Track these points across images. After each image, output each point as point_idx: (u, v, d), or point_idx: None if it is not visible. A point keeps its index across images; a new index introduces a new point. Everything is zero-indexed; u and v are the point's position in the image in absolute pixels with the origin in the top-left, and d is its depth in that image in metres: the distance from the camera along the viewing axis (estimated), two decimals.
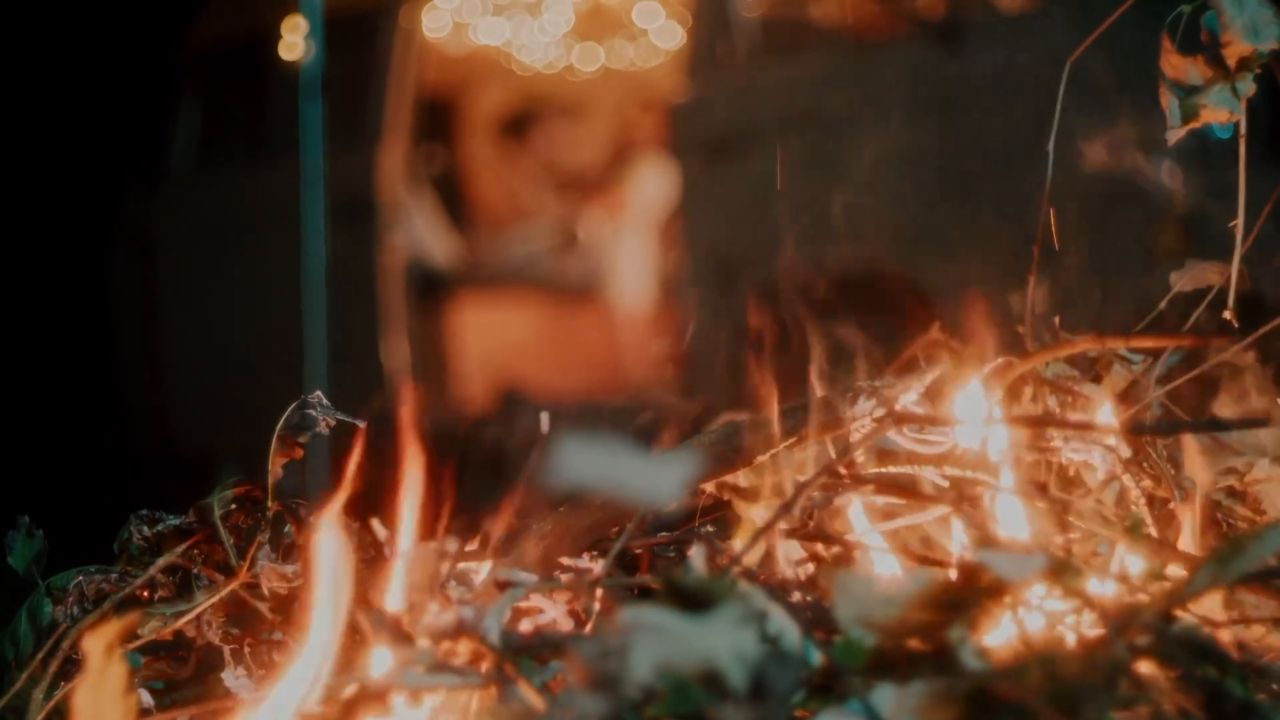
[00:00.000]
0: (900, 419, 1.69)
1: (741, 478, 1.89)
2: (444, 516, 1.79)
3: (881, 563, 1.76)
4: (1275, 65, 1.73)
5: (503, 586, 1.35)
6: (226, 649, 1.72)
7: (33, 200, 7.35)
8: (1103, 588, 1.60)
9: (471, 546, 1.86)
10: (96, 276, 7.29)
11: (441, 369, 6.58)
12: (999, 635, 1.33)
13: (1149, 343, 1.98)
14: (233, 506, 1.76)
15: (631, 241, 6.91)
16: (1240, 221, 1.82)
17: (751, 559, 1.71)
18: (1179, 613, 1.33)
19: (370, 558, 1.67)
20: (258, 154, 6.68)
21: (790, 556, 1.81)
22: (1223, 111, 1.71)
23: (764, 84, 5.58)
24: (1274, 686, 1.34)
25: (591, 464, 1.09)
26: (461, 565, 1.81)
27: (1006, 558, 1.18)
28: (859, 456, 1.77)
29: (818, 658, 1.17)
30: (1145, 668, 1.21)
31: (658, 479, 1.11)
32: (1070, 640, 1.36)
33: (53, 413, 6.98)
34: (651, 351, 6.62)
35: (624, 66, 7.63)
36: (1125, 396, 1.99)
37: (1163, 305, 2.08)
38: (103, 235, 7.26)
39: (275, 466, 1.74)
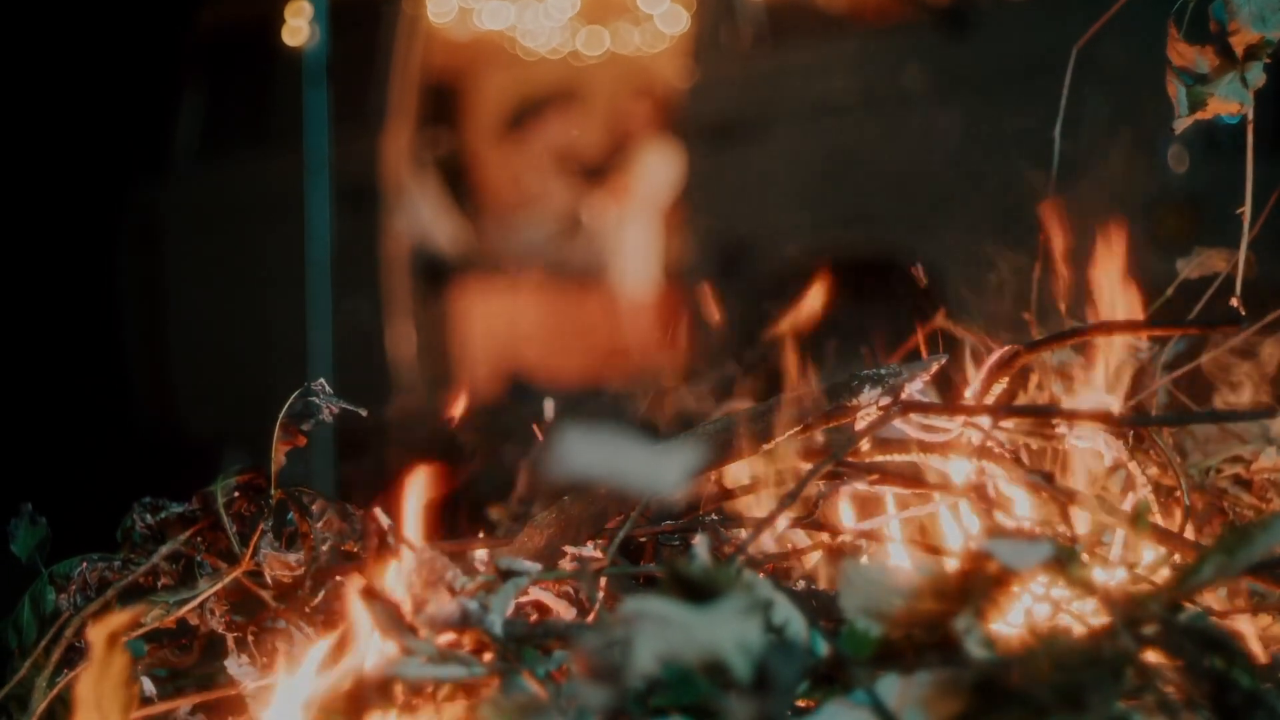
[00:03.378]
0: (906, 407, 1.69)
1: (745, 467, 1.89)
2: (447, 505, 1.78)
3: (887, 552, 1.76)
4: None
5: (506, 576, 1.34)
6: (230, 637, 1.72)
7: (38, 188, 7.35)
8: (1109, 577, 1.60)
9: (475, 535, 1.86)
10: (100, 263, 7.30)
11: (445, 355, 6.57)
12: (1005, 625, 1.33)
13: (1155, 330, 1.97)
14: (236, 494, 1.75)
15: (636, 227, 6.90)
16: (1247, 208, 1.81)
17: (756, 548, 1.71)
18: (1186, 602, 1.33)
19: (374, 547, 1.67)
20: (262, 140, 6.68)
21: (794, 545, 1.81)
22: (1232, 104, 1.70)
23: (769, 69, 5.57)
24: None
25: (595, 453, 1.09)
26: (465, 554, 1.81)
27: (1012, 547, 1.17)
28: (864, 445, 1.76)
29: (823, 648, 1.16)
30: (1152, 657, 1.21)
31: (662, 468, 1.11)
32: (1076, 630, 1.35)
33: (56, 400, 6.99)
34: (656, 338, 6.61)
35: (629, 51, 7.62)
36: (1132, 384, 1.99)
37: (1169, 292, 2.08)
38: (107, 222, 7.26)
39: (278, 454, 1.74)
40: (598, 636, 1.10)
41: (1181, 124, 1.74)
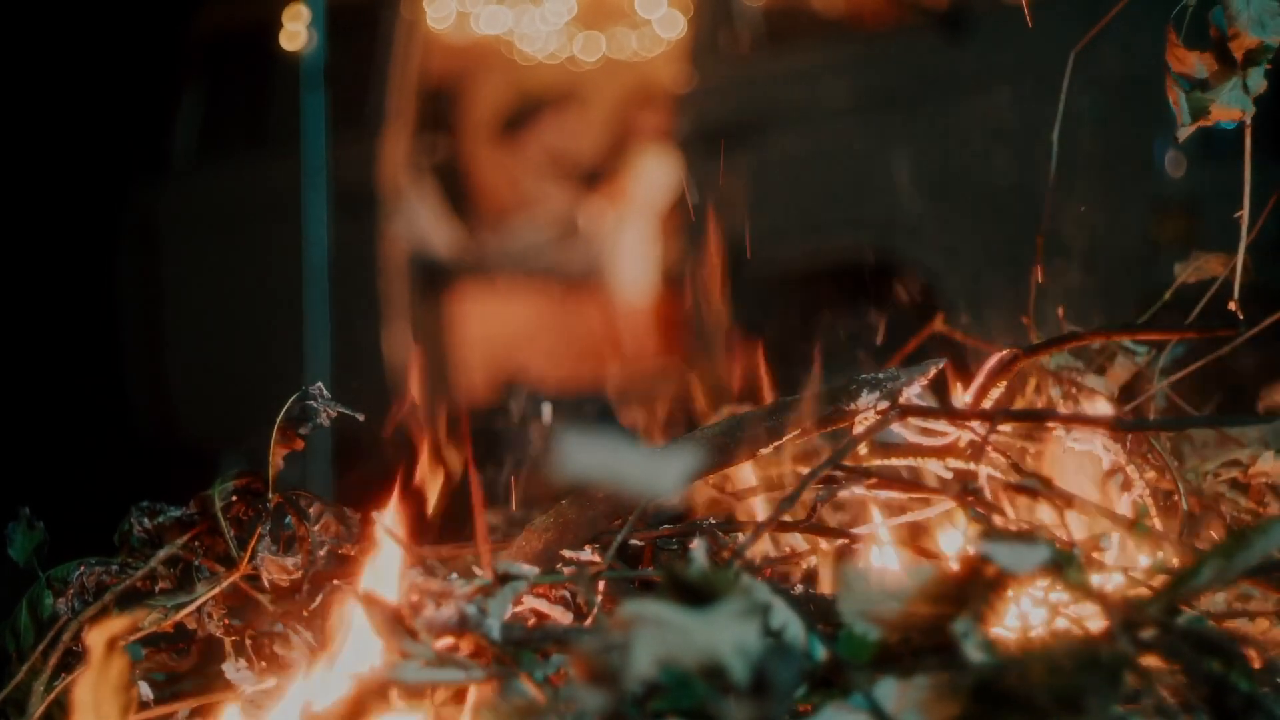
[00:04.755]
0: (905, 412, 1.69)
1: (744, 471, 1.89)
2: (446, 509, 1.78)
3: (885, 556, 1.76)
4: None
5: (503, 579, 1.34)
6: (227, 641, 1.72)
7: (36, 192, 7.35)
8: (1106, 581, 1.60)
9: (473, 539, 1.85)
10: (99, 266, 7.29)
11: (443, 359, 6.57)
12: (1003, 629, 1.33)
13: (1153, 335, 1.97)
14: (234, 498, 1.75)
15: (633, 232, 6.90)
16: (1245, 213, 1.81)
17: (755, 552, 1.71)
18: (1183, 606, 1.33)
19: (371, 550, 1.67)
20: (260, 144, 6.68)
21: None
22: (1234, 110, 1.70)
23: (766, 74, 5.57)
24: (1279, 680, 1.34)
25: (594, 456, 1.09)
26: (462, 558, 1.80)
27: (1010, 550, 1.17)
28: (862, 449, 1.76)
29: (822, 651, 1.16)
30: (1150, 661, 1.21)
31: (660, 472, 1.11)
32: (1074, 634, 1.35)
33: (54, 404, 6.98)
34: (653, 342, 6.61)
35: (626, 56, 7.62)
36: (1129, 388, 1.99)
37: (1167, 296, 2.08)
38: (105, 226, 7.26)
39: (276, 458, 1.74)
40: (596, 640, 1.10)
41: (1185, 132, 1.74)
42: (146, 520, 1.75)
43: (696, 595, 1.12)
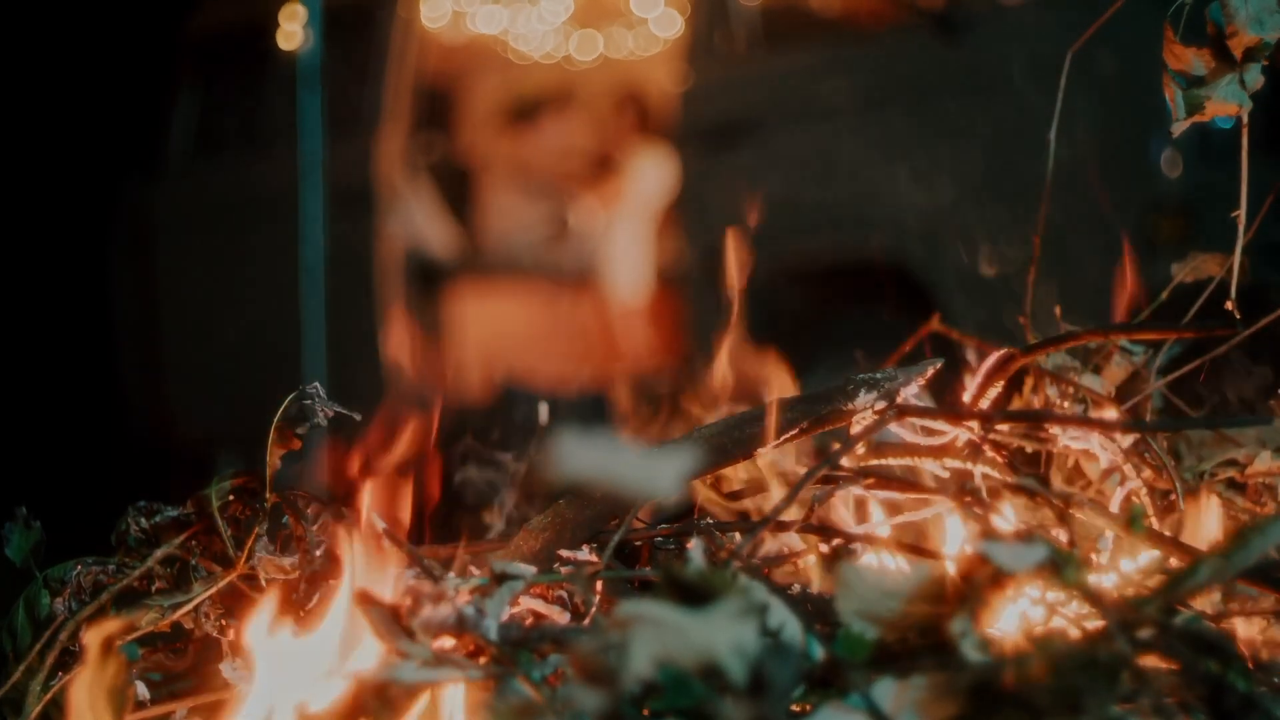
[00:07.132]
0: (902, 411, 1.69)
1: (742, 471, 1.89)
2: (442, 508, 1.78)
3: (882, 556, 1.76)
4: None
5: (501, 579, 1.34)
6: (224, 640, 1.72)
7: (31, 191, 7.35)
8: (1104, 580, 1.60)
9: (470, 538, 1.85)
10: (94, 266, 7.29)
11: (439, 358, 6.57)
12: (1001, 628, 1.33)
13: (1150, 334, 1.97)
14: (230, 498, 1.75)
15: (628, 231, 6.89)
16: (1242, 212, 1.81)
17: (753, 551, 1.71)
18: (1181, 606, 1.33)
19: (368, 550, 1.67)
20: (256, 144, 6.67)
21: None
22: (1230, 105, 1.70)
23: (763, 73, 5.57)
24: (1276, 680, 1.34)
25: (591, 456, 1.09)
26: (459, 558, 1.80)
27: (1008, 549, 1.17)
28: (859, 449, 1.76)
29: (819, 651, 1.16)
30: (1147, 661, 1.21)
31: (658, 471, 1.11)
32: (1072, 633, 1.35)
33: (50, 404, 6.98)
34: (649, 341, 6.61)
35: (622, 56, 7.61)
36: (1126, 388, 1.99)
37: (1164, 296, 2.08)
38: (101, 225, 7.25)
39: (273, 457, 1.73)
40: (593, 640, 1.10)
41: (1179, 127, 1.74)
42: (143, 520, 1.75)
43: (694, 595, 1.12)
